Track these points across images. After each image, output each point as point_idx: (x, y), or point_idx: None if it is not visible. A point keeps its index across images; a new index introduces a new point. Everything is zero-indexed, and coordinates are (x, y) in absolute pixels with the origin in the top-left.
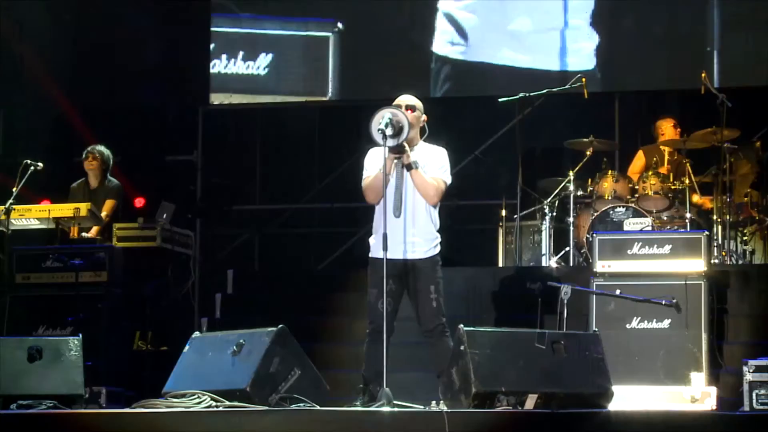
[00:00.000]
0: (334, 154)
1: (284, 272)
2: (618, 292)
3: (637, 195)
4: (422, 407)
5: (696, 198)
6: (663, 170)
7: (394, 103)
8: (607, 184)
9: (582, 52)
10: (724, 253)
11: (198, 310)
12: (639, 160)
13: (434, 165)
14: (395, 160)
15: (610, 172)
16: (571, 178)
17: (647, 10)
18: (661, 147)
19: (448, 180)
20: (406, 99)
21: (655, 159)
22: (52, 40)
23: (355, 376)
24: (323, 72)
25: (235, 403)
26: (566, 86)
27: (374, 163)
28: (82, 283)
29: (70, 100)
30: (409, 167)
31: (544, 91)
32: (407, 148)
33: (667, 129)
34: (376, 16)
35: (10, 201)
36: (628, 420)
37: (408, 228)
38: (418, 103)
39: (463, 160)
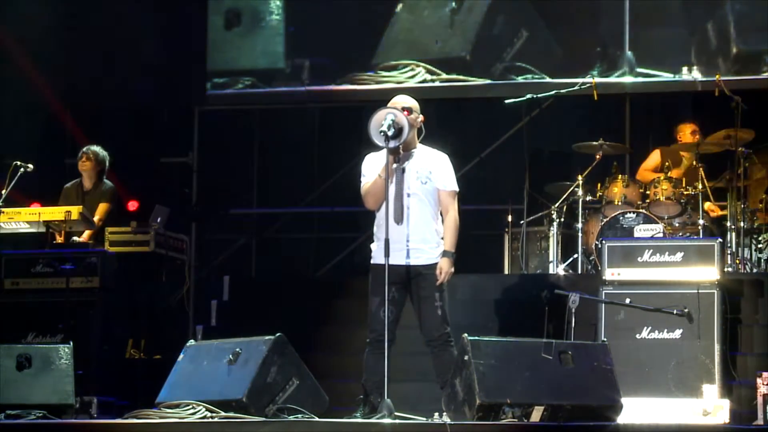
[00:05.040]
0: (335, 156)
1: (282, 279)
2: (628, 300)
3: (648, 200)
4: (424, 419)
5: (707, 205)
6: (676, 174)
7: (389, 104)
8: (617, 189)
9: None
10: (737, 261)
11: (193, 317)
12: (653, 159)
13: (440, 174)
14: (395, 165)
15: (620, 176)
16: (580, 182)
17: None
18: (679, 152)
19: (456, 188)
20: (402, 100)
21: (668, 163)
22: (44, 38)
23: (355, 386)
24: None
25: (231, 414)
26: (575, 88)
27: (372, 168)
28: (73, 289)
29: (62, 100)
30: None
31: (552, 92)
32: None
33: (684, 135)
34: None
35: None
36: None
37: (411, 234)
38: (415, 104)
39: (468, 164)
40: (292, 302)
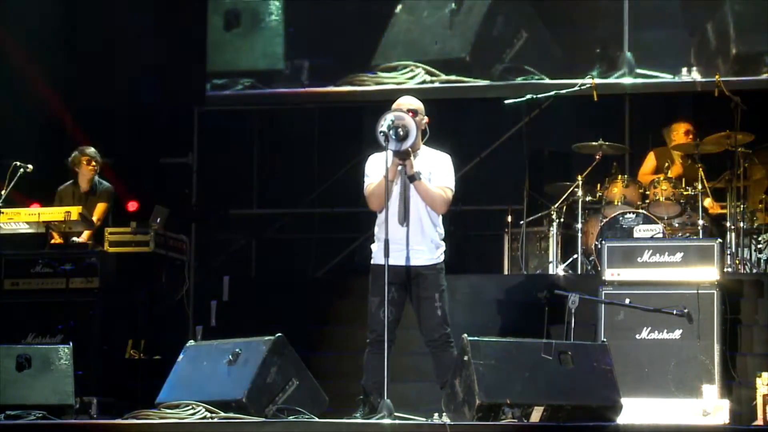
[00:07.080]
0: (335, 157)
1: (282, 279)
2: (627, 301)
3: (647, 201)
4: (424, 419)
5: (707, 202)
6: (674, 175)
7: (394, 105)
8: (617, 190)
9: None
10: (737, 262)
11: (192, 317)
12: (650, 161)
13: (439, 172)
14: (399, 167)
15: (619, 176)
16: (580, 182)
17: None
18: (672, 152)
19: (451, 186)
20: (407, 102)
21: (666, 163)
22: (44, 38)
23: (354, 386)
24: None
25: (231, 415)
26: (575, 88)
27: (376, 168)
28: (72, 290)
29: (61, 100)
30: (412, 178)
31: (552, 93)
32: (411, 157)
33: (678, 135)
34: None
35: None
36: None
37: (412, 235)
38: (420, 106)
39: (468, 164)
40: (292, 302)
